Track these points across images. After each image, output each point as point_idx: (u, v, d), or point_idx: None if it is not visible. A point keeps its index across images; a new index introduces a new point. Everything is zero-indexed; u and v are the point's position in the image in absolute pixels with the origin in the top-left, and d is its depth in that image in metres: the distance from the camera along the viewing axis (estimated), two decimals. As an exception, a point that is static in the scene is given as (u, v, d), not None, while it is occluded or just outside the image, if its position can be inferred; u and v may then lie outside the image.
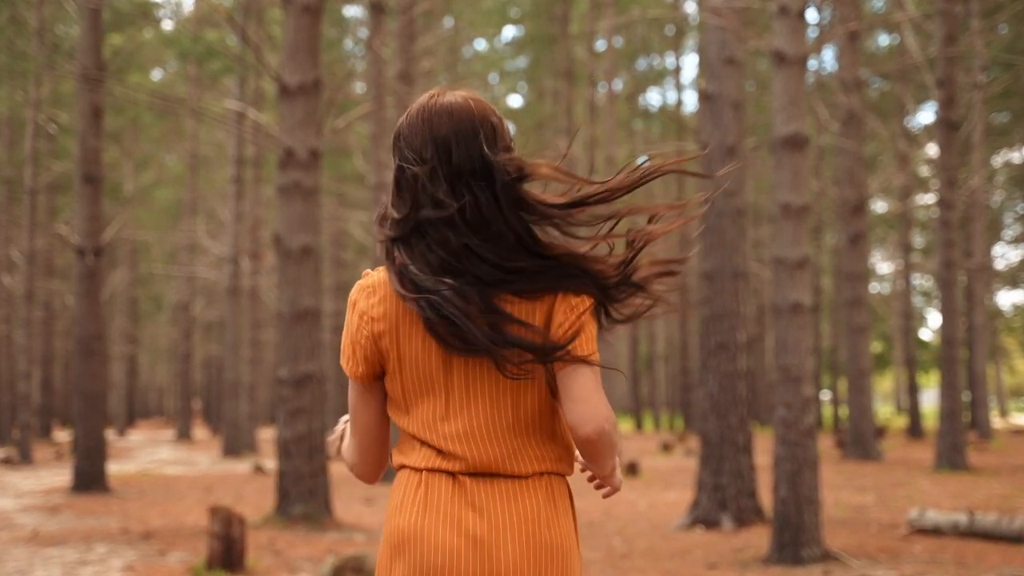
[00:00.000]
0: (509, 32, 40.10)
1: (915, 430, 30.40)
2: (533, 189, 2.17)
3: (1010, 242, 43.04)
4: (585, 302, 2.12)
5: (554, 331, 2.11)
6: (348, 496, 15.06)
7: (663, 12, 31.67)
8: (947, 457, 18.25)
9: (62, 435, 36.60)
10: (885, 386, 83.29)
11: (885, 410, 72.92)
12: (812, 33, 20.90)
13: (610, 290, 2.15)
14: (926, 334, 60.02)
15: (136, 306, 44.09)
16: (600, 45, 29.41)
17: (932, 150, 30.05)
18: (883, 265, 49.06)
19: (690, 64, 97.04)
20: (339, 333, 39.38)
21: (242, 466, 22.70)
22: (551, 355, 2.08)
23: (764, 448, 20.70)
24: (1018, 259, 43.84)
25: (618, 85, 38.64)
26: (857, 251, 21.68)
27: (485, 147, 2.12)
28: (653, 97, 46.39)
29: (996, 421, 46.75)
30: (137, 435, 41.92)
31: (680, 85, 40.49)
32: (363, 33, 30.34)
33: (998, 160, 35.71)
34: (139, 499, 14.83)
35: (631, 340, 46.31)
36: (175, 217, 38.28)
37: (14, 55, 21.78)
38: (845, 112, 21.62)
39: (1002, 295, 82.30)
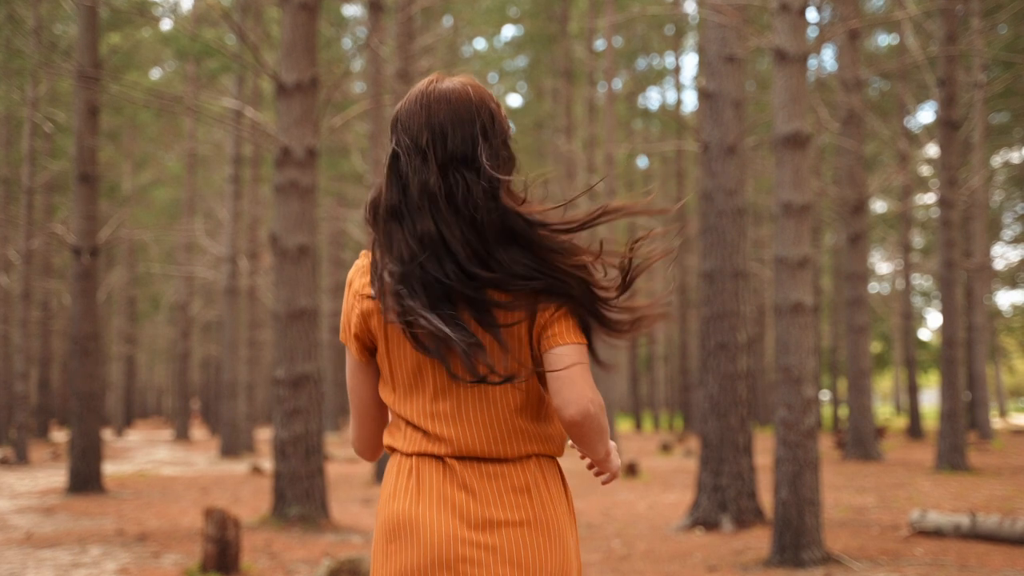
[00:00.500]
0: (508, 31, 40.04)
1: (915, 430, 30.33)
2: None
3: (1009, 242, 42.98)
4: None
5: (537, 323, 2.12)
6: (345, 497, 14.97)
7: (663, 10, 31.56)
8: (947, 458, 18.17)
9: (59, 435, 36.49)
10: (884, 386, 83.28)
11: (884, 410, 72.91)
12: (812, 32, 20.81)
13: (600, 306, 2.13)
14: (925, 334, 60.01)
15: (134, 306, 43.98)
16: (599, 44, 29.32)
17: (932, 150, 30.00)
18: (882, 265, 49.02)
19: (690, 64, 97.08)
20: (338, 333, 39.33)
21: (240, 467, 22.61)
22: (507, 379, 2.10)
23: (763, 448, 20.63)
24: (1017, 259, 43.79)
25: (618, 84, 38.58)
26: (857, 251, 21.60)
27: (481, 138, 2.13)
28: (653, 97, 46.34)
29: (996, 421, 46.67)
30: (135, 435, 41.84)
31: (680, 84, 40.43)
32: (362, 32, 30.28)
33: (997, 160, 35.65)
34: (135, 500, 14.75)
35: (630, 340, 46.19)
36: (173, 217, 38.18)
37: (11, 53, 21.67)
38: (845, 111, 21.54)
39: (1001, 295, 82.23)
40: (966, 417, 18.79)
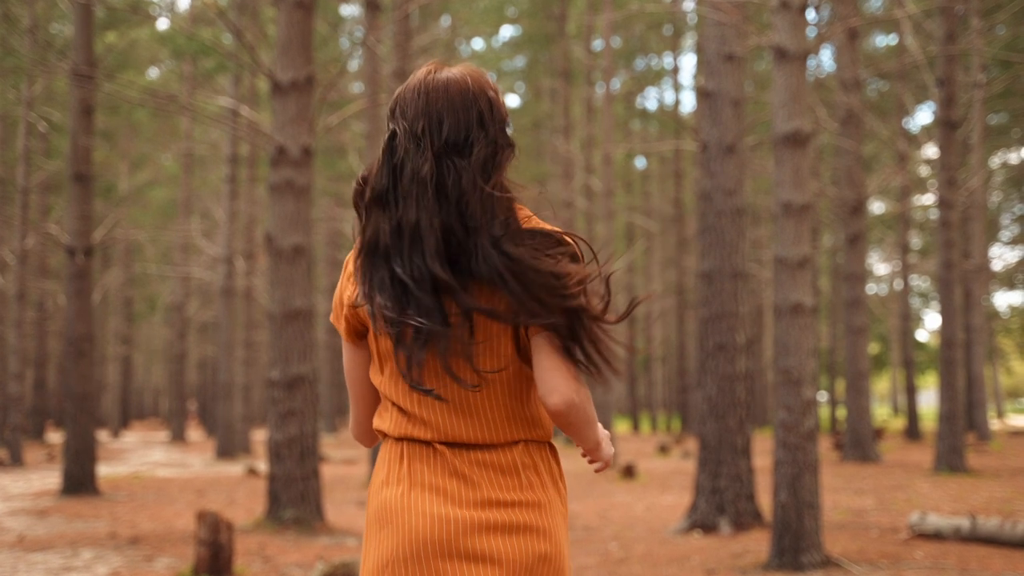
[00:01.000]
0: (506, 31, 39.97)
1: (913, 432, 30.25)
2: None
3: (1007, 243, 42.95)
4: (575, 266, 2.09)
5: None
6: (341, 499, 14.88)
7: (661, 8, 31.52)
8: (946, 459, 18.08)
9: (55, 437, 36.37)
10: (881, 387, 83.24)
11: (882, 411, 72.87)
12: (811, 32, 20.75)
13: (582, 322, 2.05)
14: (923, 335, 59.97)
15: (131, 307, 43.87)
16: (598, 45, 29.26)
17: (930, 151, 29.94)
18: (880, 266, 48.98)
19: (688, 64, 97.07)
20: (333, 334, 39.24)
21: (235, 468, 22.51)
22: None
23: (761, 450, 20.54)
24: (1015, 260, 43.77)
25: (616, 85, 38.50)
26: (856, 251, 21.52)
27: (477, 127, 2.12)
28: (651, 98, 46.30)
29: (993, 423, 46.63)
30: (131, 436, 41.74)
31: (678, 85, 40.36)
32: (359, 31, 30.17)
33: (995, 161, 35.61)
34: (129, 502, 14.65)
35: (627, 341, 46.14)
36: (169, 217, 38.09)
37: (6, 52, 21.57)
38: (844, 112, 21.47)
39: (999, 296, 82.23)
40: (964, 418, 18.68)
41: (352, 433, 2.38)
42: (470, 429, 2.13)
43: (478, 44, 40.20)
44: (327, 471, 19.77)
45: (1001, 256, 43.48)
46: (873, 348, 50.59)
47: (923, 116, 51.59)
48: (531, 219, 2.15)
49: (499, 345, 2.11)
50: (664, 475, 19.26)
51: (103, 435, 39.39)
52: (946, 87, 18.35)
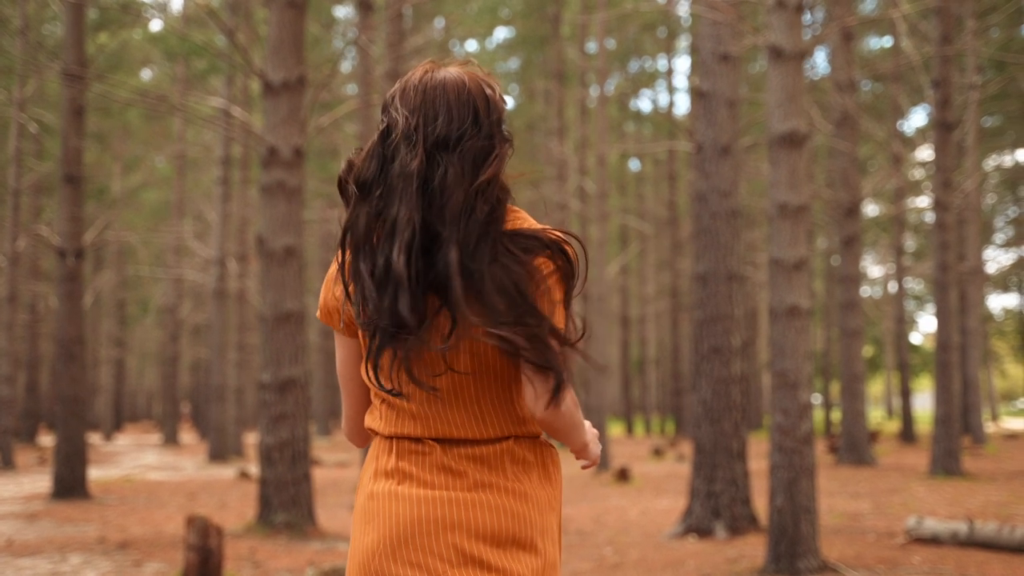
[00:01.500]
0: (500, 33, 39.88)
1: (907, 435, 30.19)
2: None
3: (1001, 246, 42.94)
4: (551, 277, 2.03)
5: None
6: (334, 503, 14.77)
7: (655, 7, 31.46)
8: (942, 463, 18.00)
9: (47, 440, 36.21)
10: (875, 390, 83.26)
11: (876, 414, 72.84)
12: (805, 34, 20.70)
13: (536, 337, 1.98)
14: (916, 338, 59.98)
15: (124, 309, 43.71)
16: (591, 47, 29.14)
17: (925, 153, 29.91)
18: (874, 269, 48.96)
19: (682, 66, 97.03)
20: (326, 337, 39.11)
21: (228, 471, 22.38)
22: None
23: (756, 454, 20.48)
24: (1009, 263, 43.77)
25: (610, 87, 38.43)
26: (851, 254, 21.45)
27: (472, 126, 2.09)
28: (645, 101, 46.24)
29: (988, 426, 46.60)
30: (124, 439, 41.57)
31: (672, 87, 40.34)
32: (353, 33, 30.08)
33: (989, 163, 35.60)
34: (120, 506, 14.53)
35: (622, 344, 46.09)
36: (162, 219, 37.95)
37: (-3, 53, 21.47)
38: (839, 113, 21.40)
39: (993, 299, 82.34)
40: (960, 422, 18.60)
41: (344, 432, 2.36)
42: (460, 425, 2.10)
43: (472, 46, 40.10)
44: (319, 474, 19.65)
45: (995, 259, 43.48)
46: (867, 351, 50.56)
47: (918, 118, 51.62)
48: (520, 219, 2.10)
49: (475, 344, 2.05)
50: (659, 479, 19.17)
51: (96, 438, 39.24)
52: (942, 88, 18.27)
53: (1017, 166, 37.35)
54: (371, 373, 2.08)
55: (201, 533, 7.96)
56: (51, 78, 21.22)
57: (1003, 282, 47.63)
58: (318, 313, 2.26)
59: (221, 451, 26.27)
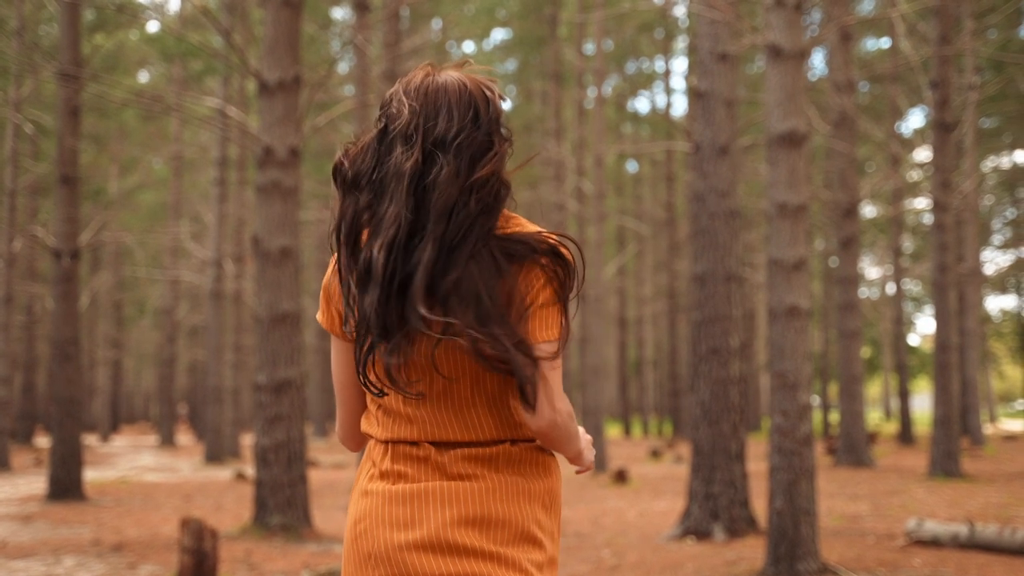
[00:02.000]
0: (498, 34, 39.83)
1: (906, 436, 30.16)
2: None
3: (999, 247, 42.94)
4: (547, 287, 2.01)
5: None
6: (330, 505, 14.70)
7: (653, 7, 31.42)
8: (941, 464, 17.94)
9: (44, 441, 36.11)
10: (873, 392, 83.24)
11: (874, 415, 72.82)
12: (804, 34, 20.67)
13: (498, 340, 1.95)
14: (914, 339, 59.95)
15: (121, 310, 43.61)
16: (589, 48, 29.09)
17: (923, 154, 29.87)
18: (872, 270, 48.94)
19: (679, 67, 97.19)
20: (323, 338, 39.03)
21: (224, 473, 22.31)
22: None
23: (754, 455, 20.42)
24: (1007, 264, 43.76)
25: (607, 87, 38.39)
26: (849, 255, 21.40)
27: (471, 126, 2.07)
28: (643, 101, 46.22)
29: (986, 427, 46.58)
30: (120, 441, 41.49)
31: (670, 88, 40.27)
32: (350, 34, 30.02)
33: (987, 164, 35.57)
34: (115, 508, 14.45)
35: (619, 345, 46.04)
36: (159, 220, 37.88)
37: (-7, 54, 21.39)
38: (837, 114, 21.35)
39: (991, 300, 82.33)
40: (958, 423, 18.55)
41: (338, 436, 2.34)
42: (455, 428, 2.08)
43: (469, 47, 40.08)
44: (316, 476, 19.58)
45: (993, 260, 43.48)
46: (865, 352, 50.52)
47: (916, 119, 51.65)
48: (516, 224, 2.06)
49: (456, 349, 2.02)
50: (656, 480, 19.10)
51: (92, 439, 39.15)
52: (940, 89, 18.22)
53: (1015, 167, 37.34)
54: (361, 376, 2.06)
55: (196, 535, 7.89)
56: (47, 79, 21.19)
57: (1001, 284, 47.61)
58: (318, 315, 2.23)
59: (217, 453, 26.20)
